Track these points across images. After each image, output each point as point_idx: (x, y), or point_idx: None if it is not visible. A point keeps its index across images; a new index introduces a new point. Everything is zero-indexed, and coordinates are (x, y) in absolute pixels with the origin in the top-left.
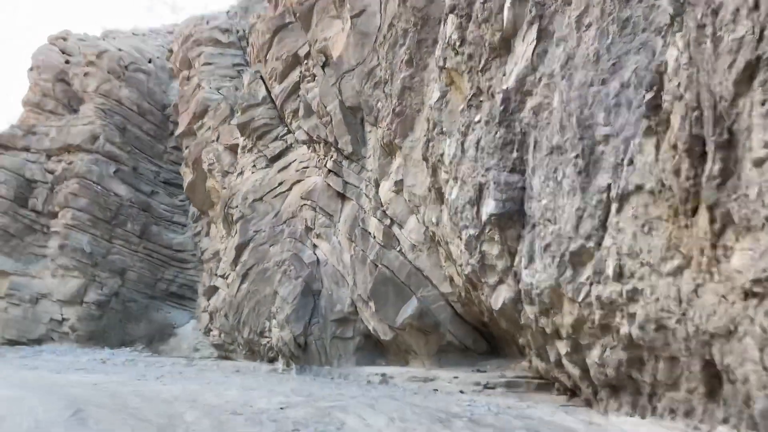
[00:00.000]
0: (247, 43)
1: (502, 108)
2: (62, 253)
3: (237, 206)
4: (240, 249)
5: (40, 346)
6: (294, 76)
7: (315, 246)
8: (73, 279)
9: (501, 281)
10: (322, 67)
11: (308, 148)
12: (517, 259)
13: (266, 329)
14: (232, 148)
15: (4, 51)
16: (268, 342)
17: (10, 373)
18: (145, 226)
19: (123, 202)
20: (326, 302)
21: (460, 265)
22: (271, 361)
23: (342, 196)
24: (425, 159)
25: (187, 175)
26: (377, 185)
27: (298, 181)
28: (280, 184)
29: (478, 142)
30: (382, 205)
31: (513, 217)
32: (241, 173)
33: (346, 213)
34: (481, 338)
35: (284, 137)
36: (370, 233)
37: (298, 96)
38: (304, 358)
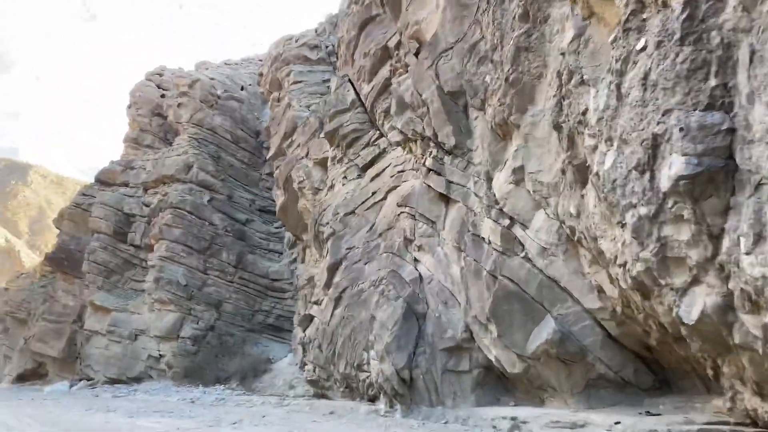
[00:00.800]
0: (336, 57)
1: (684, 16)
2: (158, 287)
3: (328, 223)
4: (332, 269)
5: (139, 384)
6: (384, 71)
7: (416, 260)
8: (169, 313)
9: (696, 280)
10: (416, 55)
11: (403, 149)
12: (726, 242)
13: (364, 361)
14: (322, 163)
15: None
16: (367, 377)
17: (78, 418)
18: (240, 255)
19: (218, 231)
20: (434, 327)
21: (621, 265)
22: (372, 400)
23: (446, 199)
24: (557, 128)
25: (279, 198)
26: (489, 179)
27: (394, 188)
28: (374, 193)
29: (645, 78)
30: (497, 203)
31: (715, 178)
32: (332, 187)
33: (452, 218)
34: (645, 368)
35: (376, 142)
36: (483, 239)
37: (389, 93)
38: (411, 397)
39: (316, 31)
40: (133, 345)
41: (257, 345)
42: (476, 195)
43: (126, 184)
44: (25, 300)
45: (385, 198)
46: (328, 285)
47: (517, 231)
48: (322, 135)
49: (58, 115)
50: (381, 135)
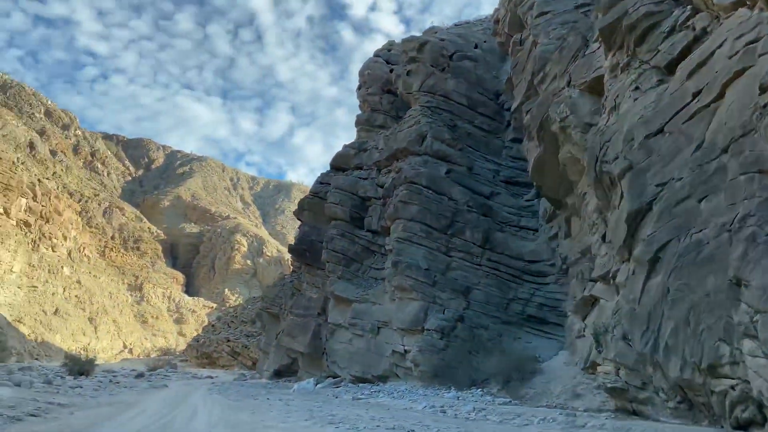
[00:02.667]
0: None
1: None
2: (397, 272)
3: (617, 157)
4: (634, 219)
5: (384, 383)
6: None
7: None
8: (411, 302)
9: None
10: None
11: (749, 7)
12: None
13: (723, 360)
14: (593, 86)
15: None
16: (733, 387)
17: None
18: (487, 233)
19: (459, 206)
20: None
21: None
22: (744, 427)
23: None
24: None
25: (532, 151)
26: None
27: (740, 73)
28: (696, 96)
29: None
30: None
31: None
32: (614, 108)
33: None
34: None
35: (686, 24)
36: None
37: None
38: None
39: None
40: (376, 339)
41: (517, 340)
42: None
43: (360, 167)
44: (277, 296)
45: (720, 95)
46: (628, 245)
47: None
48: (588, 51)
49: (311, 136)
50: (695, 11)
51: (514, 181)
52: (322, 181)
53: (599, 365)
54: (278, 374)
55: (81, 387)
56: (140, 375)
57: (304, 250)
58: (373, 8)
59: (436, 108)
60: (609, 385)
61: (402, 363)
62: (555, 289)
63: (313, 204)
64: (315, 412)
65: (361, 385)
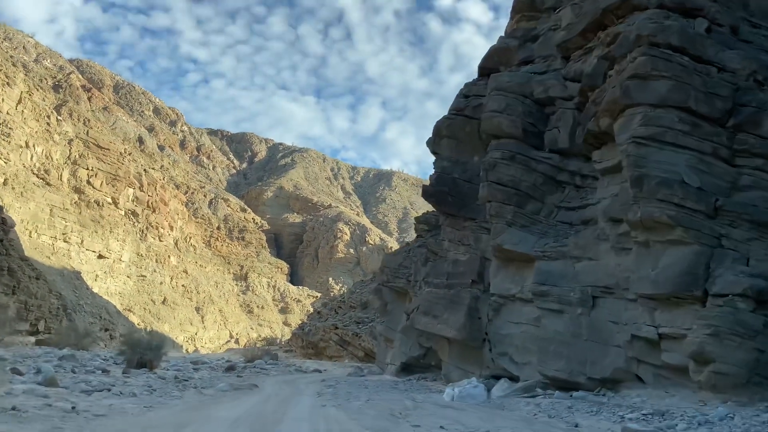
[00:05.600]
0: None
1: None
2: (641, 195)
3: None
4: None
5: (615, 391)
6: None
7: None
8: (671, 247)
9: None
10: None
11: None
12: None
13: None
14: None
15: None
16: None
17: None
18: None
19: (740, 81)
20: None
21: None
22: None
23: None
24: None
25: None
26: None
27: None
28: None
29: None
30: None
31: None
32: None
33: None
34: None
35: None
36: None
37: None
38: None
39: None
40: (589, 316)
41: None
42: None
43: (529, 61)
44: (402, 265)
45: None
46: None
47: None
48: None
49: (403, 130)
50: None
51: None
52: (467, 94)
53: None
54: (406, 369)
55: (109, 390)
56: (230, 368)
57: (444, 193)
58: None
59: None
60: None
61: (651, 357)
62: None
63: (455, 126)
64: None
65: (574, 394)
